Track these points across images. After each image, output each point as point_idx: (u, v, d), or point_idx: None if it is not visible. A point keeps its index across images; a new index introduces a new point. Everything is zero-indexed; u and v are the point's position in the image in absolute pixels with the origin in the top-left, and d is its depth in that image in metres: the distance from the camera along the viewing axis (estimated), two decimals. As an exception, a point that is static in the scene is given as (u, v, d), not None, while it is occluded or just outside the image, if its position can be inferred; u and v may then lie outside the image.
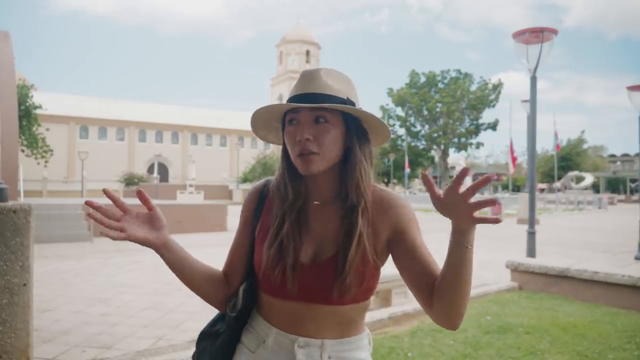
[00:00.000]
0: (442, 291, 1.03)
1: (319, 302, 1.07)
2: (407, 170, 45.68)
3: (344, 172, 1.11)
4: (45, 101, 33.46)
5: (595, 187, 50.97)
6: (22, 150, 29.80)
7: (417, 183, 66.91)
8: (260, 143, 58.93)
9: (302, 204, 1.13)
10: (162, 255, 1.13)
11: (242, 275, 1.20)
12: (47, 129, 37.59)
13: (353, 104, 1.09)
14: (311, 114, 1.06)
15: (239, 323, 1.18)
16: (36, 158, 31.95)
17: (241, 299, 1.17)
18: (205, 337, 1.22)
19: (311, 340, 1.09)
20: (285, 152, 1.13)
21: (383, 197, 1.13)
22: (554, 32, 7.03)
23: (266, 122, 1.18)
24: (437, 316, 1.07)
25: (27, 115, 28.52)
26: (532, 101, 7.19)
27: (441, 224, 17.42)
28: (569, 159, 58.16)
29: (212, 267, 1.23)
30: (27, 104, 28.39)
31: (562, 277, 5.42)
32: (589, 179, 45.51)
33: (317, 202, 1.14)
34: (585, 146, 64.42)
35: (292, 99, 1.08)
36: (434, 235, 13.59)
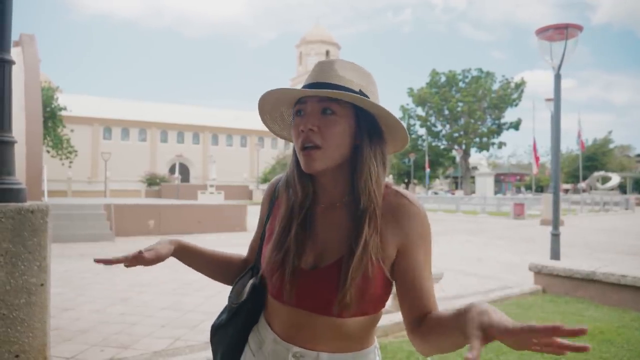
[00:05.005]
0: (429, 338, 0.95)
1: (317, 312, 1.00)
2: (428, 170, 45.33)
3: (352, 172, 1.02)
4: (70, 103, 34.10)
5: (621, 188, 49.76)
6: (48, 151, 30.43)
7: (438, 183, 66.36)
8: (281, 143, 59.16)
9: (309, 206, 1.06)
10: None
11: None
12: (72, 130, 38.34)
13: (366, 97, 0.99)
14: (319, 104, 0.99)
15: (248, 321, 1.15)
16: (61, 159, 32.58)
17: (247, 292, 1.13)
18: (216, 330, 1.21)
19: (306, 352, 1.01)
20: (293, 148, 1.09)
21: (398, 203, 1.02)
22: (579, 28, 6.84)
23: (273, 108, 1.11)
24: (414, 343, 1.01)
25: (52, 117, 29.11)
26: (556, 99, 7.01)
27: (466, 225, 17.23)
28: (594, 159, 56.88)
29: (232, 256, 1.32)
30: (53, 106, 28.97)
31: (587, 281, 5.26)
32: (615, 179, 44.51)
33: (323, 205, 1.07)
34: (611, 146, 62.94)
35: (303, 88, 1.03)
36: (456, 237, 13.42)
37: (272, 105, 1.10)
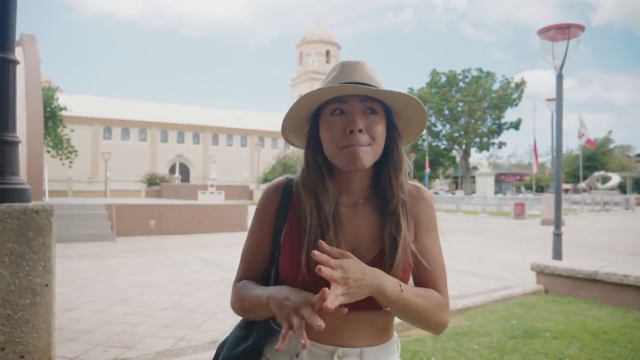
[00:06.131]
0: None
1: (361, 309, 0.99)
2: (427, 170, 45.31)
3: (384, 170, 1.07)
4: (70, 103, 34.04)
5: (621, 188, 49.73)
6: (48, 151, 30.39)
7: (438, 183, 66.35)
8: (281, 143, 59.10)
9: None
10: None
11: (263, 281, 1.13)
12: (72, 130, 38.29)
13: None
14: (362, 104, 1.01)
15: (264, 336, 1.10)
16: (61, 159, 32.54)
17: None
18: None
19: (350, 350, 1.03)
20: (316, 146, 1.05)
21: (411, 191, 1.10)
22: (581, 28, 6.83)
23: (299, 123, 1.09)
24: None
25: (52, 117, 29.09)
26: (558, 99, 7.01)
27: (467, 225, 17.21)
28: (594, 159, 56.91)
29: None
30: (53, 106, 28.95)
31: (590, 281, 5.25)
32: (615, 179, 44.50)
33: (345, 204, 1.08)
34: (611, 146, 62.94)
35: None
36: (456, 237, 13.40)
37: (304, 113, 1.07)
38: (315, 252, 0.87)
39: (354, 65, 1.04)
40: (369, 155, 1.00)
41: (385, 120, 1.04)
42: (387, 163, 1.06)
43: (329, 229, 1.02)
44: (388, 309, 0.97)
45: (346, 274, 0.88)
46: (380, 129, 1.01)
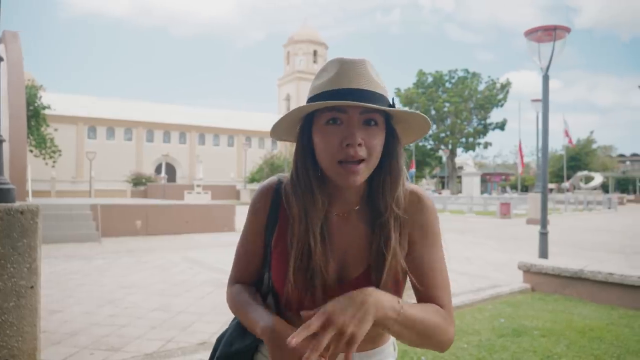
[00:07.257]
0: None
1: None
2: (413, 170, 45.55)
3: (380, 180, 0.99)
4: (54, 102, 33.60)
5: (604, 187, 50.49)
6: (31, 151, 29.91)
7: (425, 183, 66.75)
8: (268, 143, 58.95)
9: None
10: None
11: (258, 280, 1.12)
12: (56, 129, 37.73)
13: (394, 104, 0.97)
14: (362, 115, 0.92)
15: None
16: (44, 158, 32.06)
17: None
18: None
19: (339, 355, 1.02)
20: (307, 151, 0.98)
21: (410, 200, 1.03)
22: (567, 30, 6.91)
23: (290, 124, 1.02)
24: None
25: (35, 116, 28.63)
26: (544, 100, 7.07)
27: (453, 224, 17.33)
28: (577, 159, 57.70)
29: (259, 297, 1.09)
30: (36, 104, 28.50)
31: (576, 279, 5.32)
32: (598, 178, 45.10)
33: (336, 214, 1.02)
34: (594, 146, 63.89)
35: (336, 92, 0.92)
36: (444, 236, 13.47)
37: (297, 118, 1.00)
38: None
39: (355, 67, 0.94)
40: (364, 172, 0.93)
41: (384, 128, 0.97)
42: (384, 173, 0.99)
43: (316, 244, 0.97)
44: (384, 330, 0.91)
45: (336, 327, 0.81)
46: (379, 142, 0.94)
